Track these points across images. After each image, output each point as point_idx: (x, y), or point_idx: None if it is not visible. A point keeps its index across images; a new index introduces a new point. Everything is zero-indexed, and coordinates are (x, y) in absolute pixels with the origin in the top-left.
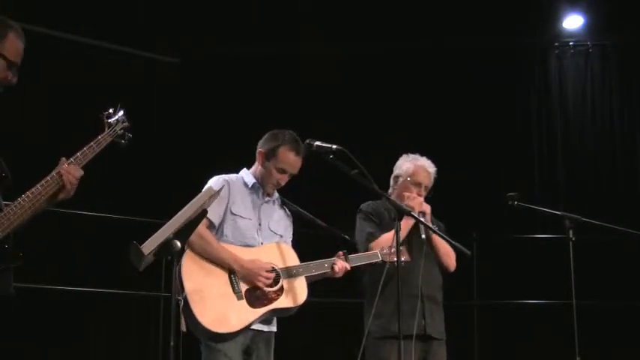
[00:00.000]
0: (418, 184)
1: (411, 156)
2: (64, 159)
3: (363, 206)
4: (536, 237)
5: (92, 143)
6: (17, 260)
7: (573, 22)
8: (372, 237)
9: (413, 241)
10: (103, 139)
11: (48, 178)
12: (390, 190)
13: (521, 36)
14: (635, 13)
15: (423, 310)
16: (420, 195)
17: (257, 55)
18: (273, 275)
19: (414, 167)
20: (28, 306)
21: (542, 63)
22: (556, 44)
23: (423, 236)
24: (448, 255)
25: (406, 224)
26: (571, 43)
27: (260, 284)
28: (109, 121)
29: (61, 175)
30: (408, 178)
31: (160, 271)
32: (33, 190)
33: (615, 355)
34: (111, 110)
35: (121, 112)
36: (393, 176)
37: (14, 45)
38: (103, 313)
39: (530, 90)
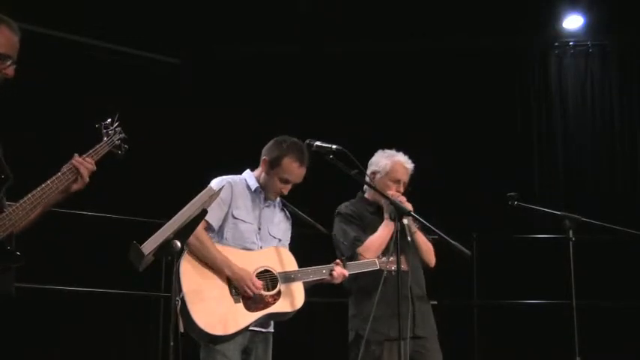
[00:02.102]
0: (397, 181)
1: (387, 152)
2: (76, 155)
3: (342, 208)
4: (536, 237)
5: (91, 151)
6: (18, 260)
7: (573, 22)
8: (359, 242)
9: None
10: (101, 148)
11: (59, 174)
12: (365, 187)
13: (521, 36)
14: (635, 13)
15: (413, 312)
16: (399, 191)
17: (257, 55)
18: (260, 284)
19: (392, 163)
20: (28, 306)
21: (542, 63)
22: (556, 44)
23: (409, 238)
24: (429, 252)
25: (390, 227)
26: (571, 43)
27: (247, 293)
28: (107, 131)
29: (75, 167)
30: (387, 175)
31: (160, 271)
32: (35, 191)
33: (615, 355)
34: (109, 120)
35: (118, 123)
36: (369, 172)
37: (6, 37)
38: (103, 313)
39: (530, 90)
